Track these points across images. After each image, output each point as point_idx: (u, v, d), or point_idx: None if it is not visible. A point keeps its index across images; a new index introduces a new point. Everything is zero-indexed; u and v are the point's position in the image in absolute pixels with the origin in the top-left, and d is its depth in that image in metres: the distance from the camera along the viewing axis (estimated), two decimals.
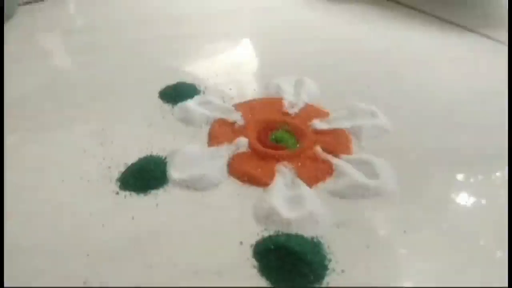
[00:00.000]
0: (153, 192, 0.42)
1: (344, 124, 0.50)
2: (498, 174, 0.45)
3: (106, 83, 0.60)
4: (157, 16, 0.78)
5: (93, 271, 0.35)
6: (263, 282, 0.34)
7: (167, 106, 0.54)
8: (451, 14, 0.78)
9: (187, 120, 0.51)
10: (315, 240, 0.37)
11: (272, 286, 0.34)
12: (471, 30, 0.74)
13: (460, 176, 0.46)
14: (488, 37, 0.72)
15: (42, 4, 0.81)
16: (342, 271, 0.35)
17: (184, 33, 0.73)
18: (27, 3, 0.80)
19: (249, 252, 0.36)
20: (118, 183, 0.43)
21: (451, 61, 0.66)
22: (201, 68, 0.63)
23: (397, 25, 0.76)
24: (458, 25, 0.75)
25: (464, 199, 0.43)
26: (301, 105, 0.54)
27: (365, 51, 0.69)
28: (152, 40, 0.71)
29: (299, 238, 0.37)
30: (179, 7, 0.81)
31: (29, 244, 0.37)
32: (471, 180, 0.45)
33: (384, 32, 0.74)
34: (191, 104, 0.53)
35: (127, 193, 0.42)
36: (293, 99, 0.54)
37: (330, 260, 0.36)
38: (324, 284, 0.34)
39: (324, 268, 0.35)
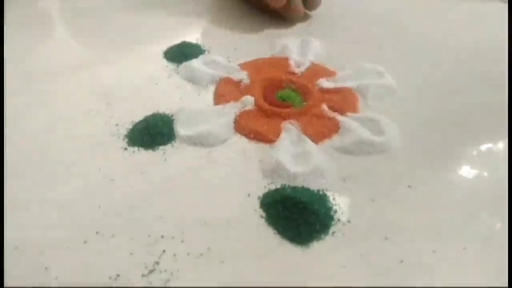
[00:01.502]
0: (161, 148, 0.43)
1: (350, 83, 0.50)
2: (506, 135, 0.45)
3: (109, 45, 0.59)
4: None
5: (106, 223, 0.36)
6: (270, 230, 0.35)
7: (172, 66, 0.54)
8: None
9: (192, 79, 0.51)
10: (321, 192, 0.38)
11: (279, 234, 0.35)
12: None
13: (466, 135, 0.46)
14: None
15: None
16: (348, 221, 0.36)
17: None
18: None
19: (256, 204, 0.37)
20: (126, 139, 0.43)
21: (460, 22, 0.65)
22: (205, 29, 0.62)
23: None
24: None
25: (470, 157, 0.43)
26: (307, 64, 0.53)
27: (373, 13, 0.67)
28: (156, 4, 0.70)
29: (305, 190, 0.38)
30: None
31: (42, 199, 0.38)
32: (478, 139, 0.45)
33: None
34: (196, 63, 0.53)
35: (135, 148, 0.43)
36: (299, 59, 0.54)
37: (335, 211, 0.37)
38: (329, 233, 0.35)
39: (330, 218, 0.36)
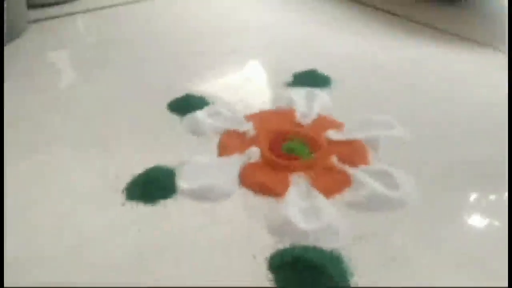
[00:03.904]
0: (161, 202, 0.40)
1: (360, 135, 0.48)
2: None
3: (114, 97, 0.59)
4: (167, 34, 0.78)
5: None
6: None
7: (175, 117, 0.53)
8: (461, 29, 0.77)
9: (196, 131, 0.50)
10: (334, 253, 0.34)
11: None
12: (483, 44, 0.73)
13: (487, 186, 0.43)
14: (500, 50, 0.71)
15: (52, 21, 0.82)
16: None
17: (193, 50, 0.72)
18: (36, 20, 0.81)
19: (263, 266, 0.34)
20: (124, 194, 0.41)
21: (466, 75, 0.65)
22: (210, 82, 0.62)
23: (410, 41, 0.76)
24: (470, 40, 0.75)
25: (495, 209, 0.40)
26: (313, 116, 0.52)
27: (378, 65, 0.67)
28: (162, 56, 0.71)
29: (318, 250, 0.34)
30: (188, 26, 0.82)
31: (30, 257, 0.35)
32: (498, 193, 0.43)
33: (397, 47, 0.73)
34: (200, 115, 0.51)
35: (134, 203, 0.40)
36: (305, 110, 0.53)
37: (352, 275, 0.33)
38: None
39: (347, 283, 0.32)
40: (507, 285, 0.26)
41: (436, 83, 0.62)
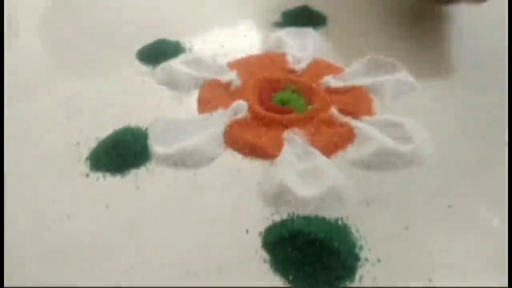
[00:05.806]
0: (133, 171, 0.34)
1: (362, 81, 0.42)
2: None
3: (73, 47, 0.50)
4: None
5: (57, 276, 0.27)
6: (277, 280, 0.27)
7: (146, 68, 0.45)
8: None
9: (171, 83, 0.42)
10: (340, 223, 0.29)
11: (290, 286, 0.26)
12: None
13: (505, 136, 0.37)
14: None
15: None
16: (378, 260, 0.28)
17: None
18: None
19: (257, 242, 0.29)
20: (88, 163, 0.35)
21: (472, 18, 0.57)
22: (186, 23, 0.53)
23: None
24: None
25: None
26: (308, 60, 0.45)
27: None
28: None
29: (321, 221, 0.29)
30: None
31: None
32: None
33: None
34: (175, 63, 0.44)
35: (100, 174, 0.34)
36: (298, 54, 0.46)
37: (361, 248, 0.28)
38: (356, 279, 0.26)
39: (356, 258, 0.27)
40: (507, 285, 0.24)
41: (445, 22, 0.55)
